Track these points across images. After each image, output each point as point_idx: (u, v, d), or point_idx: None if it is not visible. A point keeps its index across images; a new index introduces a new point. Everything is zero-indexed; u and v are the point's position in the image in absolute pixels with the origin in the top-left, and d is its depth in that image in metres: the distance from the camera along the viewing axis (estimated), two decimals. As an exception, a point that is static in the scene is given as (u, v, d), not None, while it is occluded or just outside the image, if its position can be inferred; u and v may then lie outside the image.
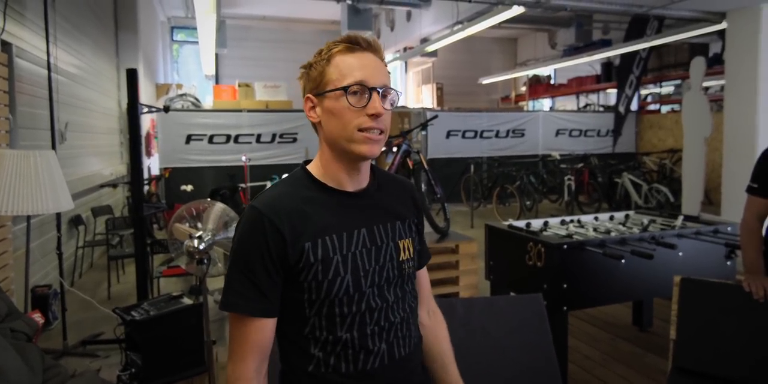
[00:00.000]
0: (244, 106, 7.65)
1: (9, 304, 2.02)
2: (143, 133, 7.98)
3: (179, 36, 12.10)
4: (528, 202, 7.49)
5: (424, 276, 1.15)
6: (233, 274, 0.92)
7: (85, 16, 5.51)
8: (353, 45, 0.92)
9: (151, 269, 3.78)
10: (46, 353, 3.10)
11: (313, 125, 0.98)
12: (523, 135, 9.24)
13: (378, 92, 0.91)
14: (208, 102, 8.96)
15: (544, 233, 2.62)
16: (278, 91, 7.93)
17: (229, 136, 7.40)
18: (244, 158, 6.92)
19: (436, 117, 4.70)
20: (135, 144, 3.10)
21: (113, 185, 5.74)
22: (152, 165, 8.39)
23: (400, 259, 1.01)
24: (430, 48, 8.04)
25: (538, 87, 12.37)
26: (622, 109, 9.37)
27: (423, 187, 4.32)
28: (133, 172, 3.16)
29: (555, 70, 13.10)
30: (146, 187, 6.81)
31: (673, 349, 1.86)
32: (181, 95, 8.18)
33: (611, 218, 3.05)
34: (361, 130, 0.91)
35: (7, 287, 2.19)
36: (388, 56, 11.72)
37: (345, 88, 0.90)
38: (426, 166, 4.12)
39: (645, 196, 7.01)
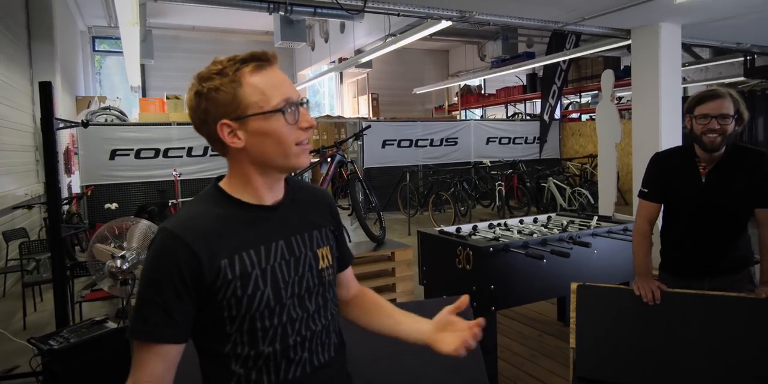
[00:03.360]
0: (174, 119, 7.39)
1: None
2: (61, 149, 7.51)
3: (102, 46, 11.53)
4: (462, 208, 7.74)
5: (349, 274, 1.19)
6: (141, 299, 0.89)
7: (-8, 26, 5.15)
8: (262, 62, 0.91)
9: (71, 294, 3.56)
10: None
11: (219, 148, 0.95)
12: (456, 143, 9.55)
13: (304, 105, 0.94)
14: (134, 115, 8.58)
15: (473, 237, 2.74)
16: (209, 103, 7.72)
17: (158, 151, 7.11)
18: (175, 172, 6.70)
19: (368, 127, 4.78)
20: (51, 161, 2.93)
21: (28, 206, 5.35)
22: (73, 183, 7.90)
23: (320, 267, 1.02)
24: (364, 59, 8.16)
25: (470, 97, 12.86)
26: (546, 117, 9.93)
27: (360, 196, 4.37)
28: (49, 191, 2.98)
29: (485, 80, 13.68)
30: (66, 207, 6.40)
31: (573, 358, 1.82)
32: (104, 108, 7.79)
33: (535, 221, 3.23)
34: (298, 143, 0.93)
35: None
36: (323, 67, 11.76)
37: (281, 110, 0.90)
38: (360, 175, 4.17)
39: (569, 199, 7.44)
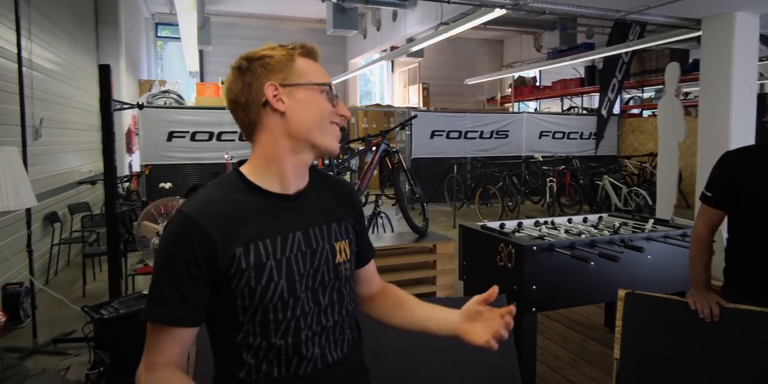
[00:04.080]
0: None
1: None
2: (124, 129, 7.89)
3: (164, 32, 11.97)
4: (510, 203, 7.54)
5: (371, 269, 1.15)
6: (156, 282, 0.89)
7: (62, 11, 5.42)
8: (307, 50, 0.96)
9: (125, 267, 3.74)
10: (16, 351, 3.08)
11: (250, 126, 0.95)
12: (507, 136, 9.30)
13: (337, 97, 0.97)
14: (191, 99, 8.87)
15: (517, 234, 2.64)
16: (262, 89, 7.87)
17: (211, 134, 7.33)
18: (227, 156, 6.87)
19: (415, 117, 4.71)
20: (108, 141, 3.05)
21: (91, 182, 5.65)
22: (134, 162, 8.29)
23: (336, 261, 0.99)
24: (416, 48, 8.05)
25: (524, 89, 12.47)
26: (604, 112, 9.48)
27: (407, 187, 4.32)
28: (106, 169, 3.12)
29: (540, 72, 13.22)
30: (127, 184, 6.73)
31: (616, 370, 1.71)
32: (164, 92, 8.09)
33: (585, 220, 3.08)
34: (332, 122, 0.96)
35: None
36: (374, 55, 11.72)
37: (328, 84, 0.95)
38: (406, 165, 4.12)
39: (625, 199, 7.10)
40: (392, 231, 5.23)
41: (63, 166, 5.20)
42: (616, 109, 9.67)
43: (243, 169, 0.97)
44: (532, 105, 13.17)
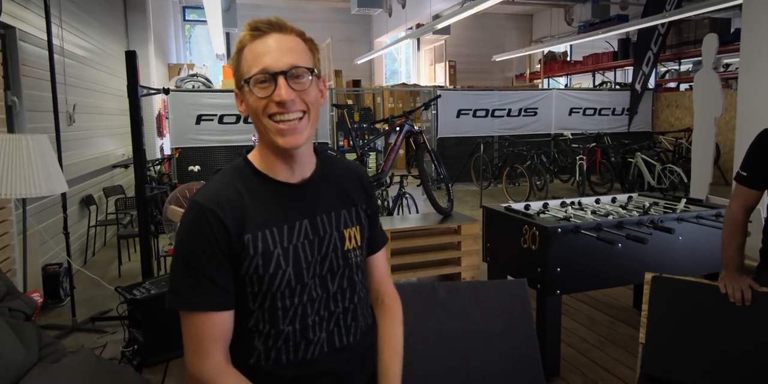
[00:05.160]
0: (253, 86, 7.61)
1: (8, 284, 2.09)
2: (155, 113, 8.05)
3: (191, 16, 12.03)
4: (538, 182, 7.41)
5: (378, 260, 1.12)
6: (180, 271, 0.89)
7: (92, -2, 5.50)
8: (255, 31, 0.89)
9: (156, 249, 3.86)
10: (57, 329, 3.24)
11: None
12: (535, 114, 9.08)
13: (284, 76, 0.87)
14: (219, 82, 8.95)
15: (541, 216, 2.59)
16: (287, 71, 7.87)
17: (239, 116, 7.40)
18: (254, 138, 6.93)
19: (439, 97, 4.64)
20: (136, 126, 3.11)
21: (125, 166, 5.82)
22: (164, 145, 8.48)
23: (345, 248, 0.99)
24: (441, 25, 7.87)
25: (554, 64, 12.09)
26: (638, 87, 9.12)
27: (432, 167, 4.29)
28: (135, 154, 3.19)
29: (571, 46, 12.77)
30: (158, 167, 6.90)
31: (641, 355, 1.68)
32: (192, 75, 8.19)
33: (613, 200, 3.00)
34: (271, 117, 0.88)
35: (9, 267, 2.26)
36: (399, 33, 11.53)
37: (248, 80, 0.88)
38: (429, 146, 4.08)
39: (658, 177, 6.87)
40: (417, 212, 5.23)
41: (97, 151, 5.36)
42: (651, 84, 9.28)
43: (251, 156, 0.97)
44: (562, 81, 12.77)
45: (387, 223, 4.21)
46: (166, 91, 3.34)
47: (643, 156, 7.07)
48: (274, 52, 0.87)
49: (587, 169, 7.42)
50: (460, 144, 8.60)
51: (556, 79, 12.68)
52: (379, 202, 5.26)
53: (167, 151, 8.12)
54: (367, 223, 1.06)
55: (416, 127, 4.06)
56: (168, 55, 10.01)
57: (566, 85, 12.29)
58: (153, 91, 3.23)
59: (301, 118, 0.89)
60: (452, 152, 8.51)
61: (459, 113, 8.65)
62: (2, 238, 2.22)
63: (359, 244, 1.02)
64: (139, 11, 7.14)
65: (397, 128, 3.92)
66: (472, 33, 13.13)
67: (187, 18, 11.97)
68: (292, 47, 0.89)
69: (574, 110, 9.26)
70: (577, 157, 7.54)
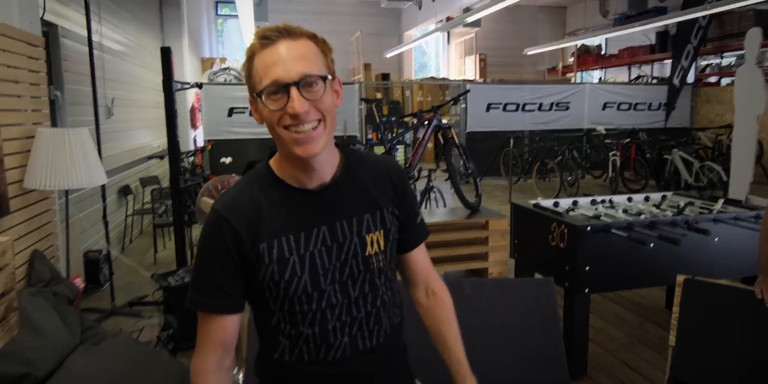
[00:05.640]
0: (285, 80, 7.69)
1: (52, 270, 2.19)
2: (188, 106, 8.24)
3: (224, 10, 12.19)
4: (569, 178, 7.27)
5: (418, 255, 1.11)
6: (196, 273, 0.94)
7: (130, -6, 5.65)
8: (264, 40, 0.87)
9: (190, 238, 3.98)
10: (97, 312, 3.39)
11: None
12: (567, 108, 8.89)
13: (297, 86, 0.85)
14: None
15: (571, 213, 2.56)
16: (317, 65, 7.92)
17: (270, 109, 7.48)
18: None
19: (467, 91, 4.59)
20: (171, 120, 3.20)
21: (160, 157, 5.99)
22: (198, 137, 8.67)
23: (366, 254, 0.97)
24: (471, 18, 7.76)
25: (588, 58, 11.79)
26: (676, 81, 8.82)
27: (461, 162, 4.26)
28: (170, 146, 3.28)
29: (606, 39, 12.40)
30: (192, 159, 7.08)
31: (671, 358, 1.67)
32: (224, 69, 8.33)
33: (646, 199, 2.93)
34: (287, 128, 0.87)
35: (53, 254, 2.37)
36: (429, 26, 11.43)
37: (259, 94, 0.87)
38: (457, 140, 4.06)
39: (696, 174, 6.66)
40: (444, 206, 5.21)
41: (134, 142, 5.53)
42: (690, 78, 8.96)
43: (272, 161, 0.97)
44: (596, 74, 12.45)
45: None
46: (199, 86, 3.42)
47: (681, 153, 6.85)
48: (285, 61, 0.85)
49: (621, 165, 7.24)
50: (489, 138, 8.50)
51: (589, 72, 12.37)
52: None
53: (200, 143, 8.31)
54: (397, 224, 1.03)
55: (445, 122, 4.05)
56: (201, 49, 10.20)
57: (600, 79, 11.99)
58: (186, 86, 3.31)
59: (316, 127, 0.88)
60: (481, 146, 8.42)
61: (489, 107, 8.54)
62: (46, 227, 2.33)
63: (382, 248, 1.00)
64: (174, 6, 7.30)
65: (426, 123, 3.91)
66: (504, 26, 12.91)
67: (219, 12, 12.14)
68: (302, 54, 0.87)
69: (608, 105, 9.03)
70: (611, 153, 7.36)
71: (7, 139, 1.99)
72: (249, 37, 9.27)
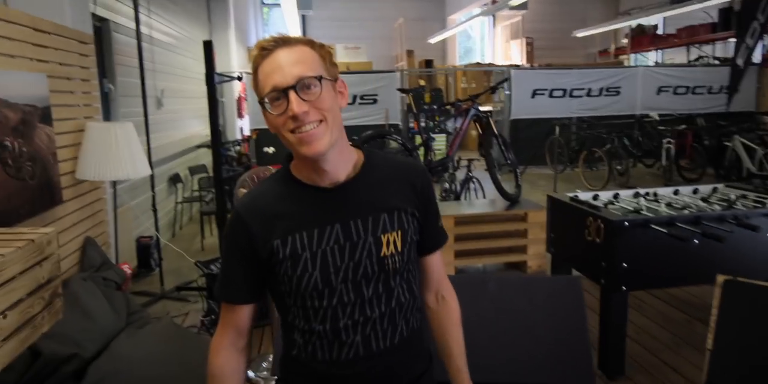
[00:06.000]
0: (324, 69, 7.75)
1: (102, 256, 2.34)
2: (235, 96, 8.45)
3: (268, -1, 12.37)
4: (619, 167, 6.98)
5: (434, 260, 1.11)
6: (221, 267, 1.05)
7: (177, -13, 5.82)
8: (263, 51, 0.91)
9: (232, 226, 4.12)
10: (147, 295, 3.59)
11: None
12: (618, 93, 8.48)
13: (294, 89, 0.88)
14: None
15: (610, 207, 2.47)
16: (359, 53, 7.95)
17: (312, 98, 7.56)
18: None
19: (506, 80, 4.48)
20: (213, 111, 3.29)
21: (208, 146, 6.20)
22: (244, 126, 8.91)
23: (381, 254, 0.97)
24: (515, 2, 7.51)
25: (643, 38, 11.15)
26: (740, 62, 8.21)
27: (500, 152, 4.18)
28: (212, 137, 3.38)
29: (664, 19, 11.70)
30: (238, 148, 7.28)
31: (708, 362, 1.59)
32: (268, 58, 8.45)
33: (695, 192, 2.78)
34: (291, 131, 0.90)
35: (104, 241, 2.52)
36: (474, 10, 11.14)
37: (261, 102, 0.91)
38: (496, 130, 3.98)
39: (760, 163, 6.23)
40: (484, 197, 5.14)
41: (183, 132, 5.75)
42: (756, 58, 8.32)
43: (291, 164, 1.01)
44: (651, 56, 11.78)
45: (453, 208, 4.20)
46: (240, 78, 3.50)
47: (743, 139, 6.42)
48: (282, 67, 0.89)
49: (676, 153, 6.87)
50: (534, 125, 8.25)
51: (644, 54, 11.72)
52: (447, 185, 5.24)
53: (246, 132, 8.54)
54: (416, 225, 1.04)
55: (484, 110, 3.97)
56: (247, 38, 10.40)
57: (657, 62, 11.35)
58: (227, 79, 3.40)
59: (317, 126, 0.90)
60: (526, 134, 8.19)
61: (534, 93, 8.28)
62: (98, 215, 2.48)
63: (399, 249, 1.00)
64: (221, -2, 7.47)
65: (463, 112, 3.85)
66: (552, 7, 12.40)
67: (265, 1, 12.31)
68: (297, 58, 0.90)
69: (663, 89, 8.54)
70: (664, 141, 6.99)
71: (60, 133, 2.12)
72: (292, 25, 9.38)
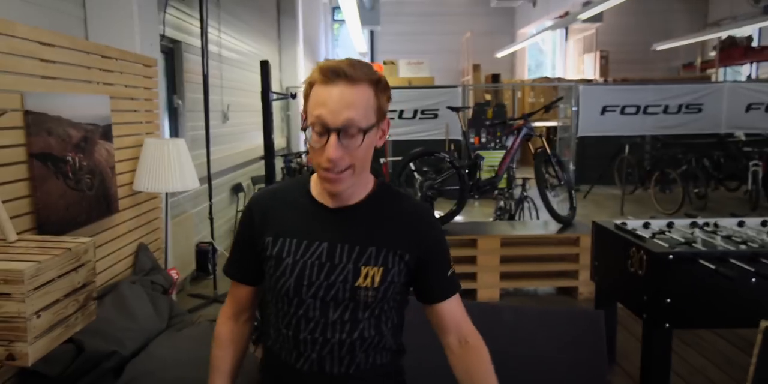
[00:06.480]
0: (390, 84, 7.87)
1: (153, 261, 2.52)
2: (299, 109, 8.77)
3: (339, 15, 12.79)
4: (696, 190, 6.49)
5: (447, 307, 1.07)
6: (231, 245, 1.15)
7: (250, 7, 6.19)
8: (324, 77, 0.91)
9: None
10: (201, 298, 3.79)
11: None
12: (699, 110, 7.87)
13: (337, 133, 0.90)
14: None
15: (660, 237, 2.30)
16: (421, 68, 8.00)
17: (373, 112, 7.69)
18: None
19: (560, 99, 4.30)
20: (267, 126, 3.47)
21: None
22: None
23: (356, 284, 0.98)
24: (592, 12, 7.23)
25: (733, 51, 10.35)
26: None
27: (555, 172, 4.04)
28: (266, 151, 3.56)
29: (760, 29, 10.80)
30: (299, 159, 7.55)
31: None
32: (334, 73, 8.72)
33: (764, 224, 2.53)
34: (322, 169, 0.94)
35: (157, 247, 2.71)
36: (546, 23, 10.88)
37: (305, 128, 0.94)
38: (550, 148, 3.84)
39: None
40: (538, 218, 4.97)
41: (248, 144, 6.06)
42: None
43: (314, 174, 1.05)
44: (744, 70, 10.89)
45: (501, 229, 4.13)
46: (293, 96, 3.66)
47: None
48: (335, 105, 0.90)
49: (764, 176, 6.28)
50: (602, 143, 7.85)
51: (736, 68, 10.86)
52: (502, 204, 5.13)
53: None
54: (403, 269, 1.02)
55: (533, 129, 3.85)
56: (317, 54, 10.81)
57: (749, 76, 10.46)
58: (281, 97, 3.56)
59: (344, 171, 0.93)
60: (593, 152, 7.83)
61: (604, 110, 7.88)
62: (153, 223, 2.68)
63: (376, 285, 0.99)
64: (290, 15, 7.82)
65: (515, 131, 3.76)
66: (629, 18, 11.82)
67: (335, 18, 12.75)
68: (353, 101, 0.90)
69: (753, 106, 7.82)
70: (751, 163, 6.42)
71: (121, 148, 2.33)
72: (358, 41, 9.63)
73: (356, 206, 1.02)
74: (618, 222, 2.49)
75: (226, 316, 1.13)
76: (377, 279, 0.99)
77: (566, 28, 12.37)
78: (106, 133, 2.19)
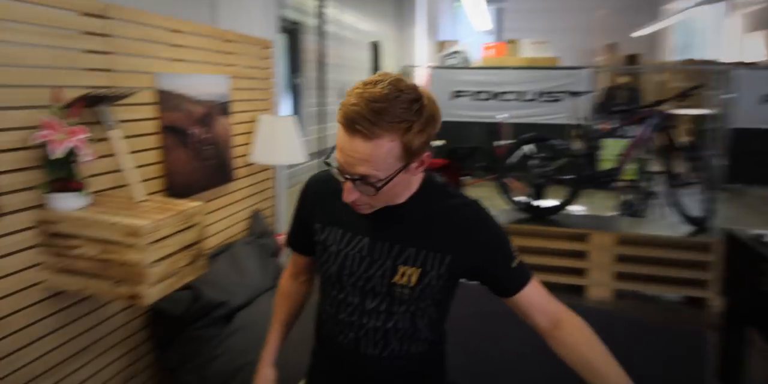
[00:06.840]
0: (510, 64, 7.51)
1: (265, 227, 2.77)
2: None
3: (463, -8, 12.36)
4: None
5: (526, 296, 1.02)
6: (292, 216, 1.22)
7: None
8: (342, 121, 0.86)
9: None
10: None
11: None
12: None
13: (353, 181, 0.90)
14: (479, 58, 9.11)
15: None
16: (544, 48, 7.50)
17: (492, 93, 7.44)
18: (501, 116, 6.87)
19: (699, 87, 3.71)
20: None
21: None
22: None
23: (393, 280, 1.01)
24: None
25: None
26: None
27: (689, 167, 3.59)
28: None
29: None
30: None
31: None
32: (452, 53, 8.56)
33: None
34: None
35: (270, 214, 2.98)
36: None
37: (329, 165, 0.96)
38: (692, 142, 3.38)
39: None
40: (670, 217, 4.45)
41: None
42: None
43: None
44: None
45: (621, 225, 3.87)
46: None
47: None
48: (349, 157, 0.87)
49: None
50: (764, 137, 6.78)
51: None
52: (623, 197, 4.72)
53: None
54: (444, 272, 1.01)
55: (668, 120, 3.40)
56: (438, 32, 10.61)
57: None
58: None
59: (363, 205, 0.97)
60: (750, 146, 6.78)
61: (766, 98, 6.79)
62: (266, 192, 2.95)
63: (412, 284, 1.00)
64: (410, -6, 7.76)
65: (643, 120, 3.36)
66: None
67: (460, -6, 12.34)
68: (368, 157, 0.85)
69: None
70: None
71: (238, 123, 2.55)
72: (478, 19, 9.25)
73: (400, 205, 1.01)
74: (757, 232, 2.15)
75: (288, 274, 1.26)
76: (414, 279, 1.00)
77: (727, 3, 10.68)
78: (225, 109, 2.39)
